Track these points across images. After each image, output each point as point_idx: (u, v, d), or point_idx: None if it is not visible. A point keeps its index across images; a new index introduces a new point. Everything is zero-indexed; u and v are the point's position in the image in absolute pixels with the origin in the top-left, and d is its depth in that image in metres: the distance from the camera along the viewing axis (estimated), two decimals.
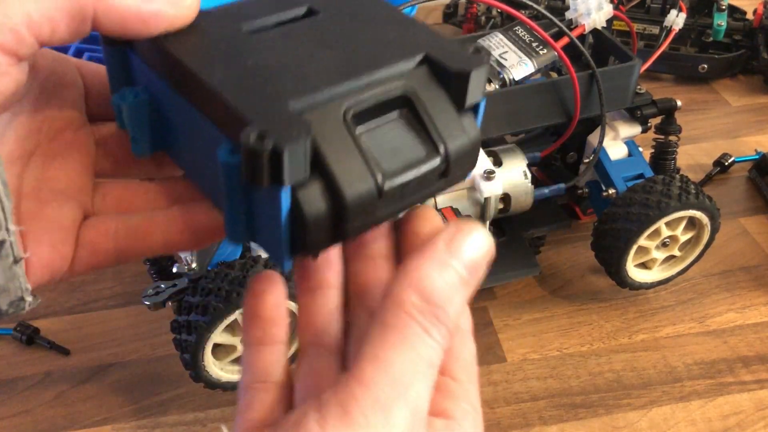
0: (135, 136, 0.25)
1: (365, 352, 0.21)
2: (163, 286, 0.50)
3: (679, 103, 0.58)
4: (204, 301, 0.47)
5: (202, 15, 0.25)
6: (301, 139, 0.19)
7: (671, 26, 0.59)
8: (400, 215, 0.25)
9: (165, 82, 0.23)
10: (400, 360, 0.20)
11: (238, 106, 0.21)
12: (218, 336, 0.48)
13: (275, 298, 0.25)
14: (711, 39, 0.85)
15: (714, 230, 0.56)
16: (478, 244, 0.22)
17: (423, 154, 0.22)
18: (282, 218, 0.21)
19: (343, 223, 0.21)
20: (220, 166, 0.21)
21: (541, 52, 0.52)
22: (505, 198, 0.54)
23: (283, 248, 0.22)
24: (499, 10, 0.90)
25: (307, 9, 0.26)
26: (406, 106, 0.23)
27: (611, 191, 0.56)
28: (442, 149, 0.22)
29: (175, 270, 0.50)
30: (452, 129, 0.23)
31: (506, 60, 0.52)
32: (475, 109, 0.24)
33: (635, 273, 0.57)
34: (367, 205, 0.21)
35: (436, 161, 0.22)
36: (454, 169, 0.23)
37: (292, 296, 0.30)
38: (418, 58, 0.23)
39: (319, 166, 0.21)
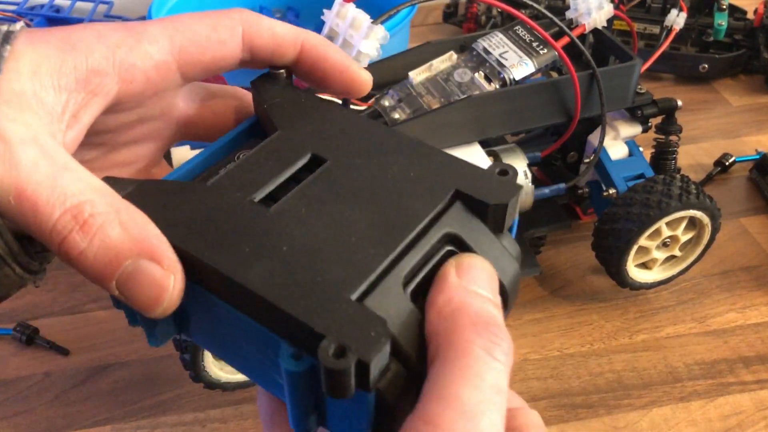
0: (150, 332, 0.23)
1: (428, 390, 0.19)
2: None
3: (679, 102, 0.58)
4: None
5: (202, 188, 0.23)
6: (382, 343, 0.18)
7: (672, 26, 0.58)
8: None
9: (193, 283, 0.21)
10: (467, 392, 0.19)
11: (298, 313, 0.19)
12: None
13: None
14: (712, 38, 0.85)
15: (715, 230, 0.56)
16: (482, 268, 0.21)
17: None
18: (366, 417, 0.19)
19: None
20: (286, 376, 0.19)
21: (541, 52, 0.52)
22: None
23: None
24: (499, 10, 0.90)
25: (311, 156, 0.24)
26: (455, 252, 0.22)
27: (612, 191, 0.56)
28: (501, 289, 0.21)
29: None
30: (502, 262, 0.22)
31: (506, 60, 0.52)
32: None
33: (636, 273, 0.57)
34: None
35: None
36: (511, 298, 0.22)
37: None
38: (449, 195, 0.22)
39: (395, 352, 0.19)
